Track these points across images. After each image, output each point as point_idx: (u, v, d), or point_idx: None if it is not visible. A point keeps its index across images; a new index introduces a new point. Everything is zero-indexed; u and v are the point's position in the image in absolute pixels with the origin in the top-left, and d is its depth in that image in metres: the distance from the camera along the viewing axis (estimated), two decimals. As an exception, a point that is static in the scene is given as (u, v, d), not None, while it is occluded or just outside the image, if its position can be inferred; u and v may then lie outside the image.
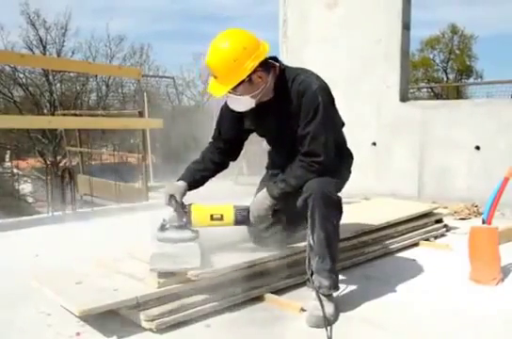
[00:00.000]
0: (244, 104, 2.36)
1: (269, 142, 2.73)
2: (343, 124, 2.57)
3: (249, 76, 2.25)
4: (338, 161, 2.41)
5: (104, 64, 18.57)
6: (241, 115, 2.50)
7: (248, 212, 2.37)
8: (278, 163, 2.64)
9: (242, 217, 2.37)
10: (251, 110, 2.40)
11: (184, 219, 2.32)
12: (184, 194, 2.44)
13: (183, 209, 2.35)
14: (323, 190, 2.21)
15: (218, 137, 2.63)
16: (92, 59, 21.49)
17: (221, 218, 2.36)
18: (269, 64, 2.37)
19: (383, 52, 5.30)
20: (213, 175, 2.63)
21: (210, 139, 2.68)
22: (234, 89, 2.28)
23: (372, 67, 5.39)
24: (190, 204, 2.38)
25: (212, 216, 2.36)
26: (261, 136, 2.73)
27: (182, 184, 2.47)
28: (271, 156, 2.80)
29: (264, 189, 2.39)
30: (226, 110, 2.54)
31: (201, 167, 2.59)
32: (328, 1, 5.63)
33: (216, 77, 2.29)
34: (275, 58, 2.43)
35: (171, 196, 2.39)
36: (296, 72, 2.40)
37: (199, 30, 44.45)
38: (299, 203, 2.25)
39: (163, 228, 2.31)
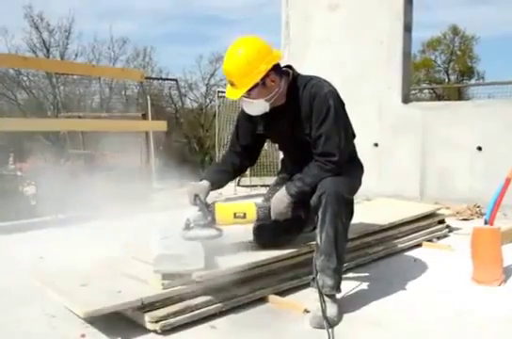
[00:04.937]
0: (258, 107, 2.44)
1: (281, 148, 2.82)
2: (353, 136, 2.61)
3: (263, 80, 2.34)
4: (351, 167, 2.49)
5: (108, 67, 18.63)
6: (256, 121, 2.58)
7: (269, 209, 2.44)
8: (290, 168, 2.71)
9: (263, 215, 2.45)
10: (265, 115, 2.49)
11: (209, 218, 2.38)
12: (207, 194, 2.52)
13: (207, 208, 2.41)
14: (336, 189, 2.27)
15: (236, 143, 2.72)
16: (96, 62, 21.58)
17: (244, 216, 2.44)
18: (283, 70, 2.47)
19: (385, 53, 5.31)
20: (233, 177, 2.76)
21: (228, 144, 2.81)
22: (249, 93, 2.36)
23: (374, 68, 5.40)
24: (214, 203, 2.46)
25: (235, 214, 2.43)
26: (273, 142, 2.87)
27: (205, 183, 2.55)
28: (284, 163, 2.89)
29: (284, 188, 2.45)
30: (242, 117, 2.65)
31: (223, 168, 2.69)
32: (330, 3, 5.64)
33: (232, 84, 2.38)
34: (289, 66, 2.53)
35: (196, 196, 2.46)
36: (309, 78, 2.49)
37: (201, 32, 44.52)
38: (313, 201, 2.31)
39: (188, 227, 2.37)
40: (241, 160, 2.71)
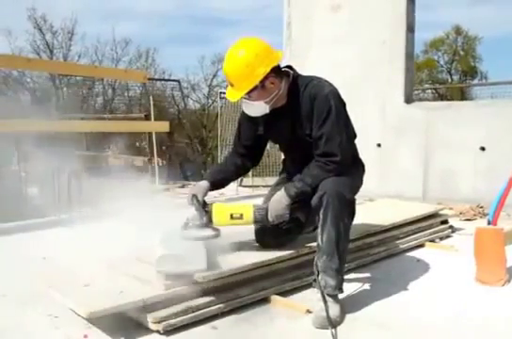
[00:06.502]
0: (258, 109, 2.45)
1: (282, 148, 2.83)
2: (355, 136, 2.61)
3: (262, 82, 2.35)
4: (352, 167, 2.49)
5: (111, 68, 18.63)
6: (257, 121, 2.58)
7: (267, 211, 2.43)
8: (291, 169, 2.72)
9: (261, 216, 2.43)
10: (266, 116, 2.49)
11: (205, 218, 2.39)
12: (205, 194, 2.54)
13: (204, 208, 2.42)
14: (337, 189, 2.27)
15: (238, 143, 2.73)
16: (98, 63, 21.60)
17: (241, 217, 2.43)
18: (283, 71, 2.47)
19: (387, 54, 5.31)
20: (234, 177, 2.77)
21: (231, 145, 2.82)
22: (249, 95, 2.38)
23: (376, 69, 5.40)
24: (211, 204, 2.46)
25: (232, 215, 2.43)
26: (274, 142, 2.87)
27: (204, 184, 2.57)
28: (285, 163, 2.90)
29: (283, 189, 2.44)
30: (244, 117, 2.65)
31: (224, 169, 2.72)
32: (332, 4, 5.64)
33: (232, 85, 2.39)
34: (289, 67, 2.53)
35: (193, 196, 2.47)
36: (309, 78, 2.48)
37: (204, 33, 44.53)
38: (314, 201, 2.30)
39: (186, 226, 2.39)
40: (243, 161, 2.72)
